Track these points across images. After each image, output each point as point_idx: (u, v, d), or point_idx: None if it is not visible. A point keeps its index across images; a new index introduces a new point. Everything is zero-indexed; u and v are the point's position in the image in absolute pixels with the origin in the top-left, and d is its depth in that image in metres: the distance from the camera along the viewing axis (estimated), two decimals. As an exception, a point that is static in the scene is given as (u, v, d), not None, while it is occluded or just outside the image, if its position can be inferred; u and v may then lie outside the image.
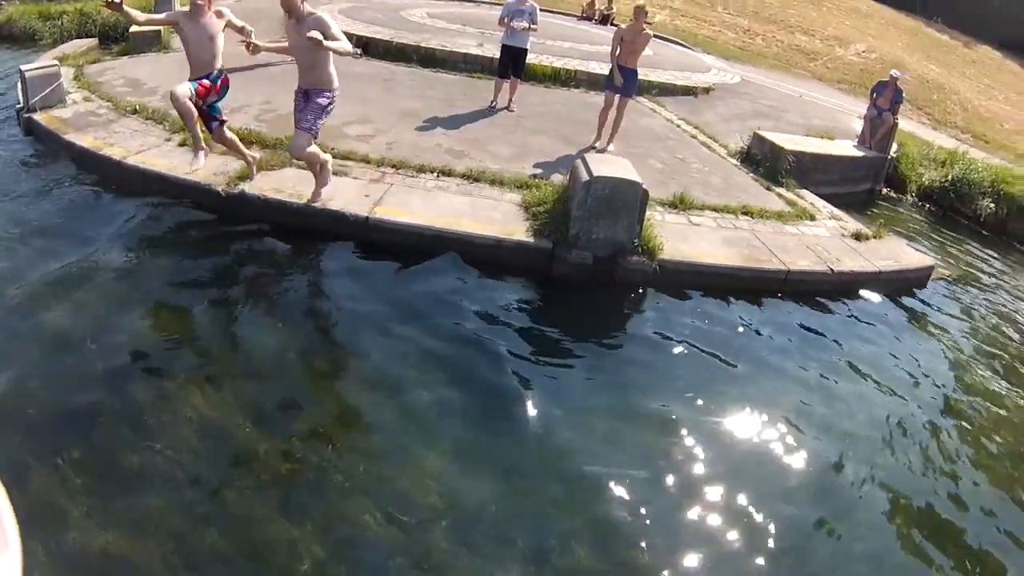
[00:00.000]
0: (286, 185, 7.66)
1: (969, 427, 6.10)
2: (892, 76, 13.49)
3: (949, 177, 13.69)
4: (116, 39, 13.87)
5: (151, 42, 13.36)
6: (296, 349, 5.49)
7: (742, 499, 4.72)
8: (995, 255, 11.46)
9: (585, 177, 7.02)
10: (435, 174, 8.40)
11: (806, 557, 4.42)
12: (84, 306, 5.62)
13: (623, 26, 10.26)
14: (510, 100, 11.68)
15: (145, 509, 4.00)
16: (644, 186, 7.09)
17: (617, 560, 4.15)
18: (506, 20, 11.01)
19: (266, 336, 5.59)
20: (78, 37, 14.84)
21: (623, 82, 9.97)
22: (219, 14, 6.92)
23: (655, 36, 13.60)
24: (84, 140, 8.64)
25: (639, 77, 10.83)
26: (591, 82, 13.95)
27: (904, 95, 14.18)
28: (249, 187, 7.54)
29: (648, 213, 7.51)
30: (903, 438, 5.68)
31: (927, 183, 13.83)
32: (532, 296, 6.79)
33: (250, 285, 6.35)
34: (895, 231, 10.54)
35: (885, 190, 13.68)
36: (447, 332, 5.96)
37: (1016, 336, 8.46)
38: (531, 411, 5.16)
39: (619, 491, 4.60)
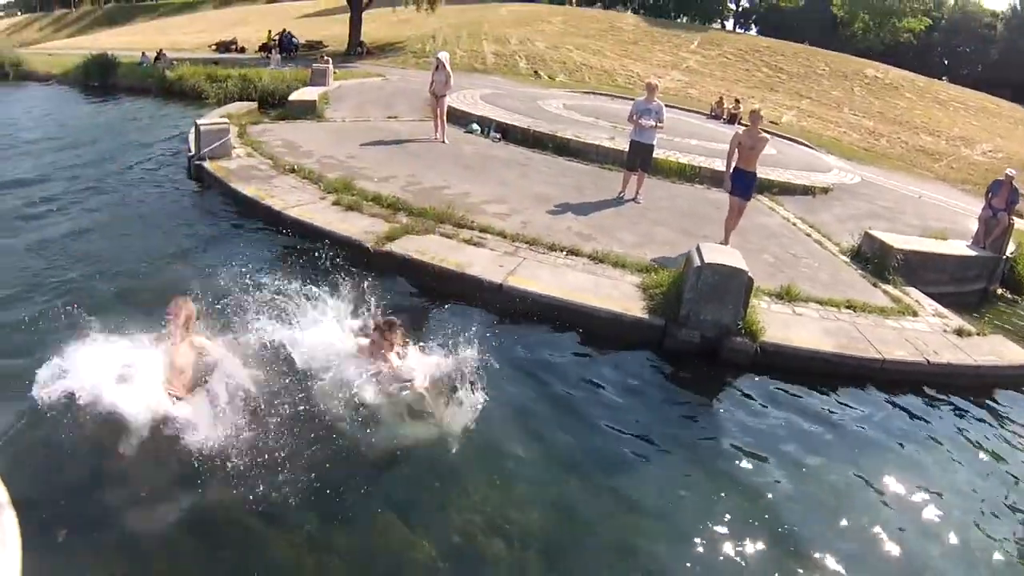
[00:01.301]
0: (429, 249, 8.80)
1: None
2: (1007, 175, 13.54)
3: None
4: (274, 104, 15.72)
5: (307, 110, 15.10)
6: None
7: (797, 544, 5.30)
8: None
9: (697, 263, 7.86)
10: (564, 253, 9.42)
11: None
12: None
13: (740, 131, 11.02)
14: (637, 192, 12.64)
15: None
16: (750, 275, 7.85)
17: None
18: (635, 117, 12.06)
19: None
20: (240, 99, 16.85)
21: (738, 186, 10.67)
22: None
23: (780, 136, 14.32)
24: (247, 189, 10.16)
25: (761, 175, 11.56)
26: (715, 179, 14.65)
27: (1020, 194, 14.29)
28: (394, 246, 8.73)
29: (755, 302, 8.25)
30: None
31: None
32: (645, 367, 7.59)
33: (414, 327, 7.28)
34: (1009, 332, 10.56)
35: (1001, 291, 13.72)
36: (564, 396, 6.79)
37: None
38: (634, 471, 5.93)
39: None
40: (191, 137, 12.33)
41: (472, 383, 6.15)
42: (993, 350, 9.29)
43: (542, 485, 5.57)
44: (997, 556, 5.57)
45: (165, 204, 10.57)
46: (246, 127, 13.46)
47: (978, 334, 9.71)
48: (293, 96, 15.19)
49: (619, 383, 7.13)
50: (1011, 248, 13.83)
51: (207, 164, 11.20)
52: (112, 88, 18.50)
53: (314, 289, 6.95)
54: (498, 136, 15.63)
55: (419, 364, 6.18)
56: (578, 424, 6.36)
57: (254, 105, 16.16)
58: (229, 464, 4.90)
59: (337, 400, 5.70)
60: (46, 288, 7.42)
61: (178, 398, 5.36)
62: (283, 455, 5.03)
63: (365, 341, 6.25)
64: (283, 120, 14.75)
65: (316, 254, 8.12)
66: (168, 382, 5.39)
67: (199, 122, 11.70)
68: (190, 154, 11.88)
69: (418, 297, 7.97)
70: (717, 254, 8.15)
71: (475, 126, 15.90)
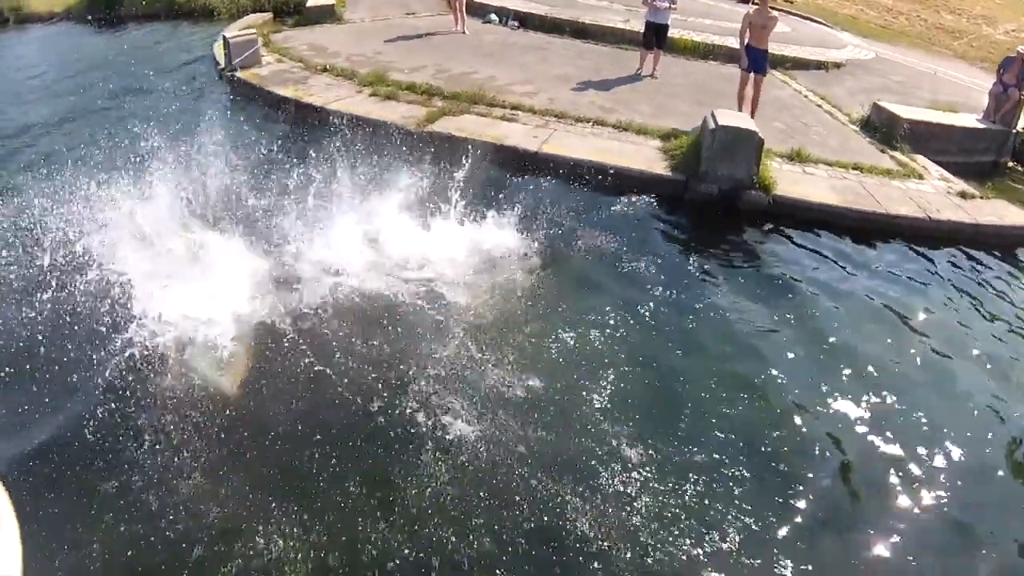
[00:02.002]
0: (467, 127, 9.76)
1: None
2: (1019, 52, 14.21)
3: None
4: (289, 12, 16.25)
5: (326, 15, 15.70)
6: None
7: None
8: None
9: (712, 126, 8.84)
10: (590, 123, 10.40)
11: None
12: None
13: (751, 10, 11.72)
14: (654, 68, 13.44)
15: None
16: (760, 136, 8.82)
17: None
18: (648, 0, 12.79)
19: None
20: (253, 12, 17.28)
21: (753, 62, 11.40)
22: None
23: (794, 14, 14.89)
24: (286, 91, 11.01)
25: (774, 51, 12.30)
26: (729, 55, 15.26)
27: None
28: (434, 127, 9.69)
29: (767, 162, 9.23)
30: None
31: None
32: (671, 216, 8.67)
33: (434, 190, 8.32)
34: (1016, 200, 11.08)
35: (1012, 164, 14.51)
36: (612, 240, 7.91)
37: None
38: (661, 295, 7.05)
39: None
40: (217, 52, 13.02)
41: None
42: (995, 212, 10.19)
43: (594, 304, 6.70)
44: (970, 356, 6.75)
45: (207, 115, 11.20)
46: (269, 36, 14.06)
47: (981, 197, 10.60)
48: (311, 2, 15.76)
49: (649, 228, 8.23)
50: (1023, 123, 14.60)
51: (239, 74, 11.95)
52: (119, 19, 18.52)
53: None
54: (516, 24, 16.28)
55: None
56: (617, 261, 7.49)
57: (269, 15, 16.53)
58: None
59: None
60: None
61: None
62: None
63: None
64: (302, 26, 15.30)
65: (363, 142, 9.16)
66: None
67: (226, 35, 12.40)
68: (220, 67, 12.59)
69: (463, 170, 8.94)
70: (730, 118, 9.11)
71: (493, 16, 16.50)
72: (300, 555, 4.14)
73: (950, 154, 12.66)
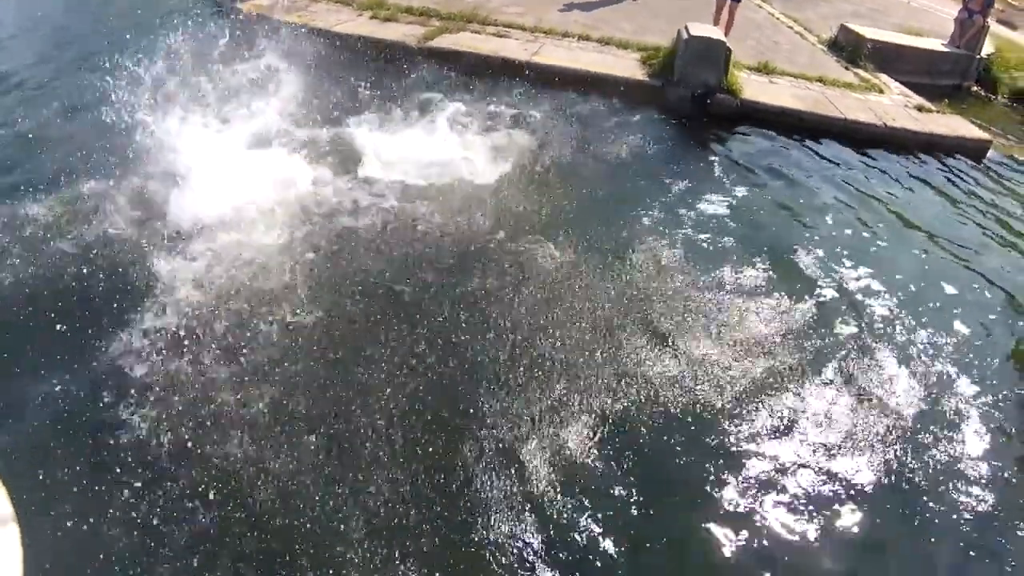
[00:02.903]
0: (464, 42, 11.01)
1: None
2: (984, -20, 15.60)
3: None
4: None
5: None
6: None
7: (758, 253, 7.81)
8: None
9: (685, 36, 10.12)
10: (575, 39, 11.64)
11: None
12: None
13: None
14: (636, -8, 14.68)
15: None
16: (728, 45, 10.12)
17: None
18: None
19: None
20: None
21: None
22: None
23: None
24: (292, 18, 12.04)
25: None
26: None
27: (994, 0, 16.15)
28: (435, 43, 10.92)
29: (735, 72, 10.52)
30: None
31: (1021, 86, 15.61)
32: (650, 116, 9.97)
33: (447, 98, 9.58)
34: (974, 121, 12.25)
35: (975, 88, 15.81)
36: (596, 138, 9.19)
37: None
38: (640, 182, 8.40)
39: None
40: None
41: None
42: (947, 124, 11.43)
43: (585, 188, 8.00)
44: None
45: (212, 44, 12.04)
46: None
47: (937, 112, 11.86)
48: None
49: (630, 126, 9.53)
50: (989, 50, 15.85)
51: (240, 5, 12.91)
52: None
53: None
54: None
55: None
56: (604, 155, 8.77)
57: None
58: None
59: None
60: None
61: None
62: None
63: None
64: None
65: (368, 58, 10.46)
66: None
67: None
68: (219, 1, 13.39)
69: (463, 76, 10.18)
70: (701, 30, 10.38)
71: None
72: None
73: (914, 75, 13.87)
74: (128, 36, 11.11)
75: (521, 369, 5.25)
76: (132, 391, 4.70)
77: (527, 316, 5.78)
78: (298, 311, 5.56)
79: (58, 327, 5.16)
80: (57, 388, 4.72)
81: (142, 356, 4.98)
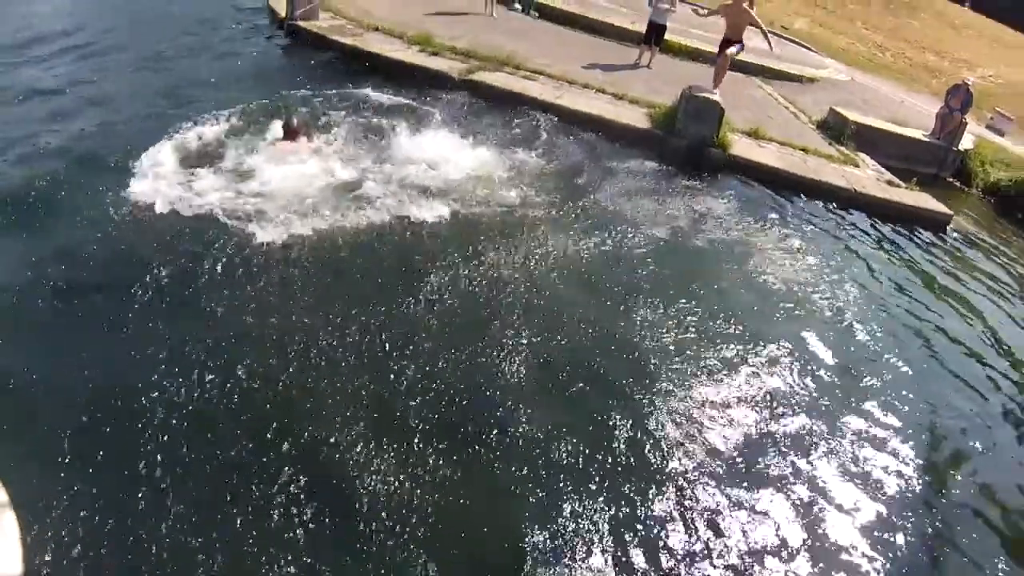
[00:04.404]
0: (498, 80, 13.28)
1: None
2: (964, 81, 17.89)
3: (1016, 179, 17.29)
4: None
5: None
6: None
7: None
8: None
9: (687, 95, 12.39)
10: (594, 90, 13.91)
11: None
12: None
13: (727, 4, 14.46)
14: (649, 61, 16.96)
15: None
16: (722, 106, 12.36)
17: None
18: (652, 1, 16.37)
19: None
20: None
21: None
22: None
23: (787, 39, 18.39)
24: (347, 40, 14.29)
25: (755, 62, 16.32)
26: (713, 59, 18.75)
27: (973, 99, 18.19)
28: (473, 77, 13.16)
29: (727, 131, 12.77)
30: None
31: (994, 180, 17.46)
32: (647, 160, 12.11)
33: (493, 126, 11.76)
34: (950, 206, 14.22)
35: (951, 179, 17.94)
36: (597, 168, 11.32)
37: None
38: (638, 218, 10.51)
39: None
40: (275, 4, 16.14)
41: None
42: (913, 198, 13.57)
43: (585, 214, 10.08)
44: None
45: (273, 59, 13.98)
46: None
47: (906, 188, 14.06)
48: None
49: (627, 164, 11.68)
50: (968, 144, 18.16)
51: (301, 23, 15.14)
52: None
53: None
54: (536, 14, 19.88)
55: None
56: (606, 187, 10.82)
57: None
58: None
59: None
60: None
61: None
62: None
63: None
64: None
65: (416, 84, 12.63)
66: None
67: None
68: (281, 18, 15.42)
69: (495, 109, 12.34)
70: (700, 91, 12.65)
71: (517, 5, 19.99)
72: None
73: (893, 159, 15.91)
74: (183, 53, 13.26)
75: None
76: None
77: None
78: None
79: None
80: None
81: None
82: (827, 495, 6.03)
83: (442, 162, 9.76)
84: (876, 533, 5.79)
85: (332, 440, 5.33)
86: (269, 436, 5.29)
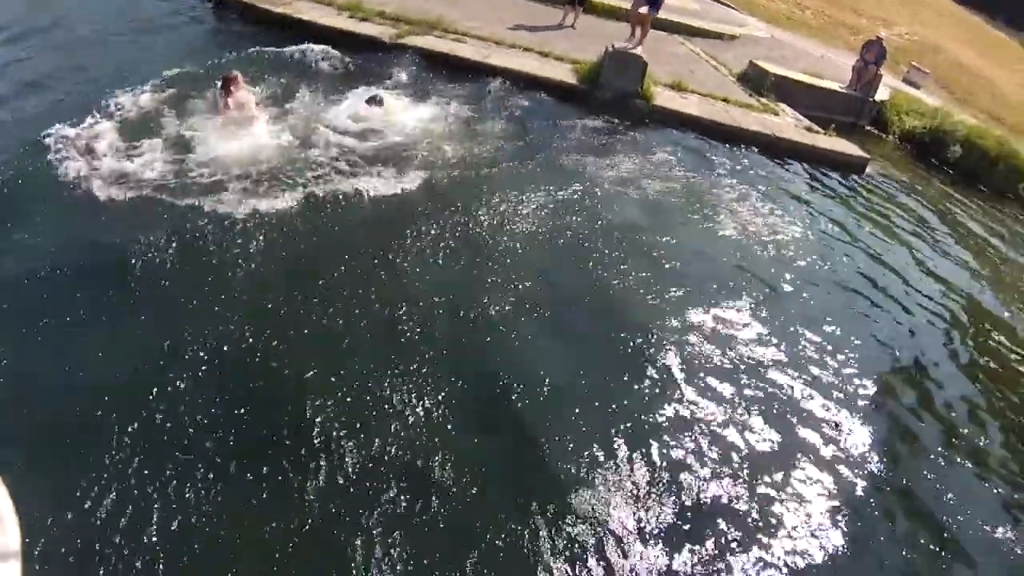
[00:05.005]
0: (428, 43, 13.74)
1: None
2: (878, 37, 18.95)
3: (929, 126, 18.73)
4: None
5: None
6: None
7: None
8: (946, 184, 16.96)
9: (610, 50, 13.06)
10: (521, 49, 14.48)
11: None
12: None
13: None
14: (574, 22, 17.64)
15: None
16: (645, 60, 13.06)
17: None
18: (576, -36, 17.01)
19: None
20: None
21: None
22: None
23: None
24: (277, 9, 14.26)
25: (677, 20, 17.26)
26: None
27: (887, 53, 19.30)
28: (403, 40, 13.63)
29: (650, 84, 13.47)
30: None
31: (908, 127, 18.83)
32: (575, 112, 12.78)
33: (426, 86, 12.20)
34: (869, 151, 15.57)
35: (868, 127, 19.03)
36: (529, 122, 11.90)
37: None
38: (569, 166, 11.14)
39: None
40: None
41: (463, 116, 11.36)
42: (831, 143, 14.56)
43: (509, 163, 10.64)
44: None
45: (203, 31, 13.84)
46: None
47: (824, 133, 15.00)
48: None
49: (556, 115, 12.33)
50: (884, 95, 19.23)
51: None
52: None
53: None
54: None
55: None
56: (528, 131, 11.46)
57: None
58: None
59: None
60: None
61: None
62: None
63: None
64: None
65: (349, 49, 12.99)
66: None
67: None
68: None
69: (425, 70, 12.84)
70: (623, 46, 13.35)
71: (444, -29, 20.57)
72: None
73: (812, 109, 16.76)
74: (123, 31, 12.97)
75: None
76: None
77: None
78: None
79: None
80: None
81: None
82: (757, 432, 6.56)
83: (383, 123, 10.24)
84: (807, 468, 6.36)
85: (325, 422, 5.49)
86: (254, 420, 5.42)
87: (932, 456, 6.97)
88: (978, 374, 8.68)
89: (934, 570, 5.74)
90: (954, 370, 8.64)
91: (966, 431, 7.46)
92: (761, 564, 5.28)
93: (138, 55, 11.73)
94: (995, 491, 6.77)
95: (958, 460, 6.99)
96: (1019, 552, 6.10)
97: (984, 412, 7.88)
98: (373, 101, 10.42)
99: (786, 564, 5.33)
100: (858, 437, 6.82)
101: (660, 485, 5.66)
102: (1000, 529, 6.28)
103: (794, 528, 5.64)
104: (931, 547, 5.91)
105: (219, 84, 9.67)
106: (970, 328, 9.87)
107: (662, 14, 15.94)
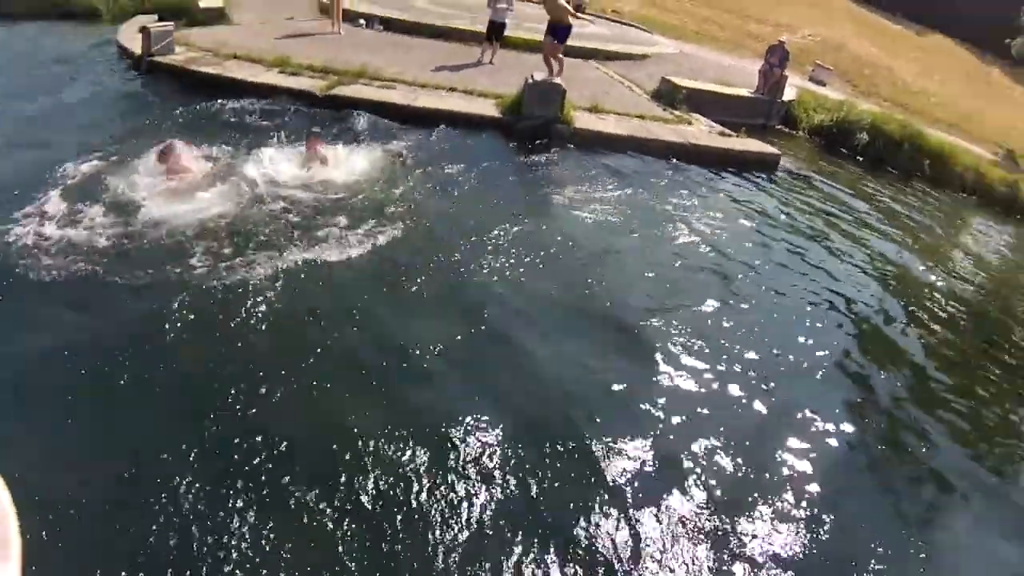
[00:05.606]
0: (358, 92, 14.61)
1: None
2: (780, 40, 20.36)
3: (835, 118, 20.41)
4: (175, 16, 18.04)
5: (216, 17, 19.10)
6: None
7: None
8: (857, 169, 18.73)
9: (531, 82, 14.10)
10: (446, 90, 15.44)
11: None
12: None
13: None
14: (492, 58, 18.65)
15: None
16: (564, 88, 14.13)
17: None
18: (492, 3, 17.99)
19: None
20: (135, 15, 19.28)
21: (552, 32, 16.11)
22: None
23: (621, 22, 20.67)
24: (209, 70, 14.88)
25: (590, 46, 18.66)
26: (553, 50, 20.80)
27: (790, 55, 20.62)
28: (334, 91, 14.47)
29: (570, 109, 14.54)
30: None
31: (816, 122, 20.46)
32: (503, 143, 13.76)
33: (360, 134, 13.02)
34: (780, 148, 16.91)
35: (779, 127, 20.39)
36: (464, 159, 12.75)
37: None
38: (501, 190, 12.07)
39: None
40: (126, 42, 16.42)
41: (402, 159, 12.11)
42: (744, 144, 15.80)
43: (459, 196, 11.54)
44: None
45: (136, 95, 14.25)
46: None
47: (736, 136, 16.23)
48: (202, 3, 19.03)
49: (487, 149, 13.28)
50: (792, 95, 20.64)
51: (158, 58, 15.71)
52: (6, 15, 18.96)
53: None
54: (381, 27, 21.22)
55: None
56: (464, 168, 12.28)
57: (155, 17, 18.61)
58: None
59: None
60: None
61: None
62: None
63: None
64: (195, 27, 18.26)
65: (282, 104, 13.78)
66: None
67: (149, 26, 16.31)
68: (136, 56, 15.43)
69: (356, 118, 13.70)
70: (542, 77, 14.42)
71: (362, 21, 21.32)
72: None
73: (724, 115, 18.09)
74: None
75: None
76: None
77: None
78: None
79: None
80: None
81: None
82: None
83: (324, 175, 10.77)
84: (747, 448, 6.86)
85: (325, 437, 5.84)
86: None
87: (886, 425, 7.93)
88: (919, 331, 10.22)
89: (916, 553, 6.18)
90: (899, 329, 10.18)
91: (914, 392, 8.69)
92: (743, 556, 5.62)
93: (76, 121, 12.05)
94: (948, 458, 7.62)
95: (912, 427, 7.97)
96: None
97: (925, 360, 9.48)
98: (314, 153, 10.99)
99: (768, 556, 5.68)
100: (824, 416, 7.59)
101: (629, 488, 6.01)
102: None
103: (773, 523, 6.01)
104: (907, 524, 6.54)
105: (159, 148, 9.98)
106: (906, 289, 11.60)
107: (577, 42, 17.19)
